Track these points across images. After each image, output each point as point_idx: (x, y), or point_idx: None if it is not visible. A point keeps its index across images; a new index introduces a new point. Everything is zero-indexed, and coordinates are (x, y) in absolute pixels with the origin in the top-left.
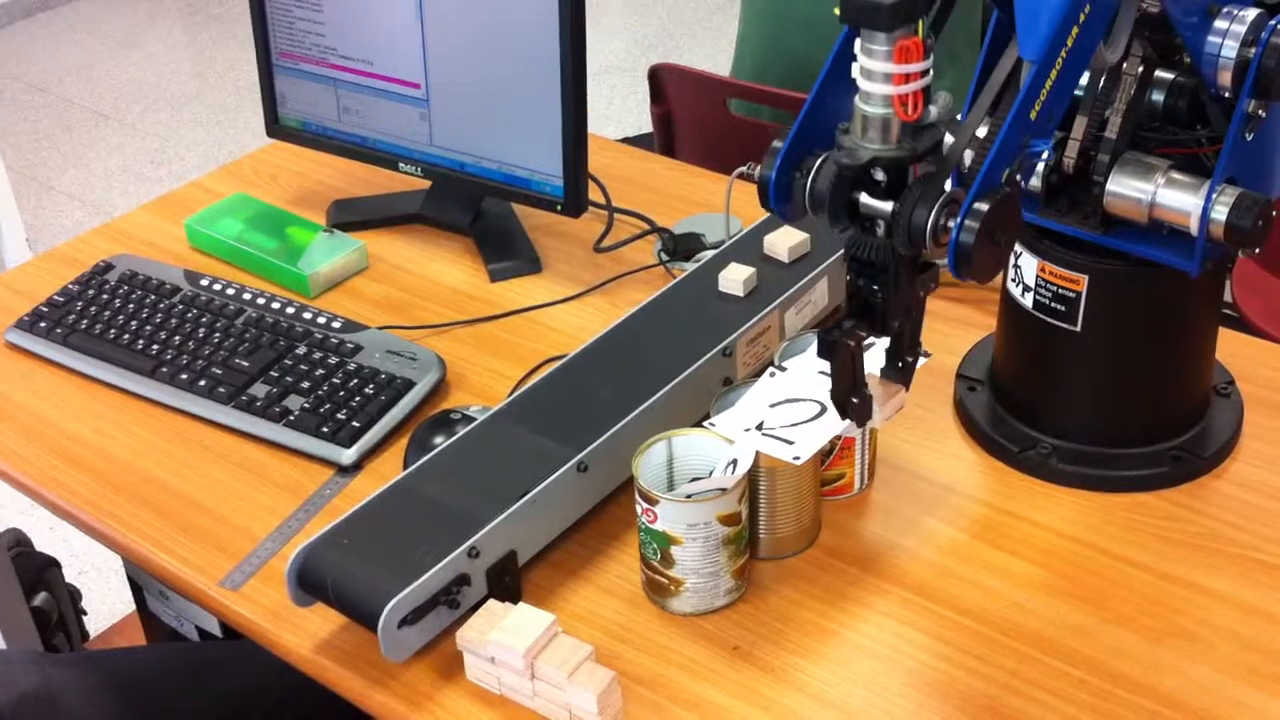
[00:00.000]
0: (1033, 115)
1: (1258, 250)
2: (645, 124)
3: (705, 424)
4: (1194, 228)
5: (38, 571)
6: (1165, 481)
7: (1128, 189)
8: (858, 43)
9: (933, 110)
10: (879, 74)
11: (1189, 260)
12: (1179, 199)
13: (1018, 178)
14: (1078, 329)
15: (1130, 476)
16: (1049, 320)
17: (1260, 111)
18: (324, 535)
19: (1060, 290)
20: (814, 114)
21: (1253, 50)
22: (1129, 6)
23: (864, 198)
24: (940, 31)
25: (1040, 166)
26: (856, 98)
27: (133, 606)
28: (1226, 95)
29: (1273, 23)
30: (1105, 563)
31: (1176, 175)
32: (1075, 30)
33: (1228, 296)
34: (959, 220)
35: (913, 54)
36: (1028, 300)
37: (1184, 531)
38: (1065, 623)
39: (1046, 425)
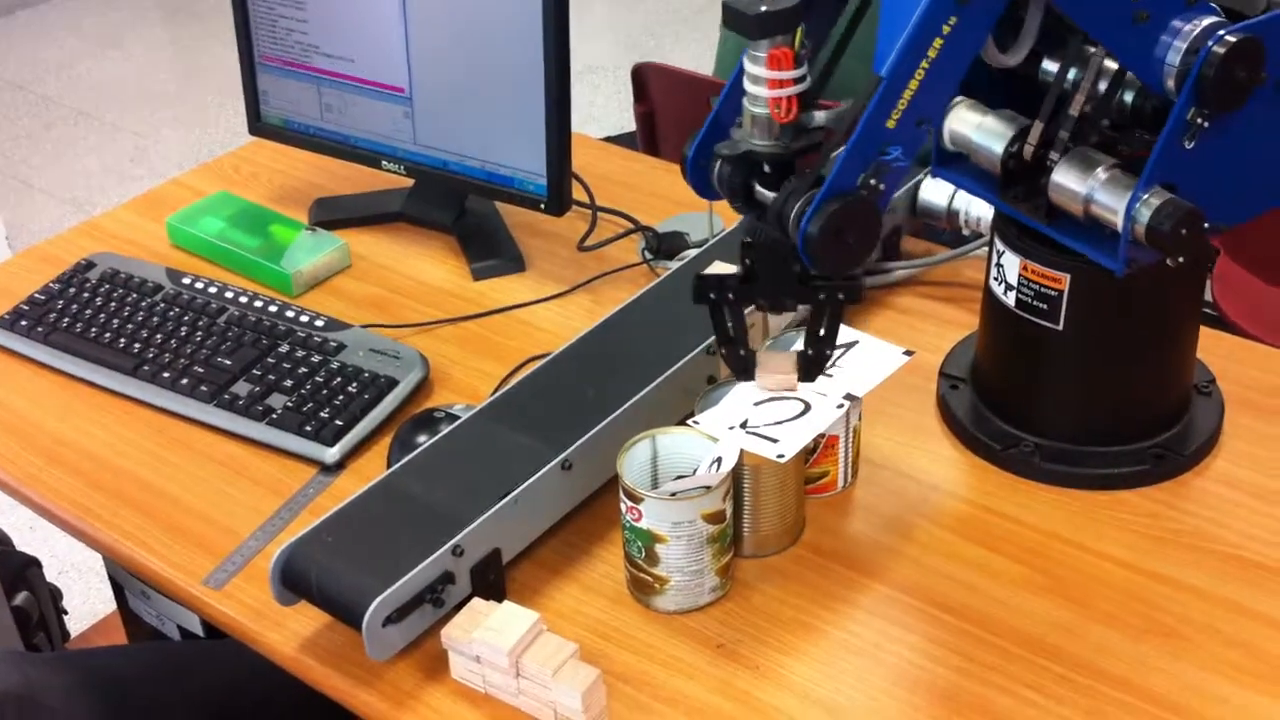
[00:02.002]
0: (890, 124)
1: (1181, 260)
2: (628, 123)
3: (689, 422)
4: (1120, 226)
5: (18, 571)
6: (1147, 479)
7: (1069, 181)
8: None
9: (818, 115)
10: (759, 78)
11: (1116, 260)
12: (1110, 198)
13: (873, 181)
14: (1060, 327)
15: (1112, 474)
16: (1031, 319)
17: (1199, 120)
18: (308, 533)
19: (1042, 289)
20: (730, 104)
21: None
22: (1035, 11)
23: (757, 186)
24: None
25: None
26: (744, 97)
27: (114, 606)
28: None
29: (1220, 33)
30: (1087, 560)
31: (1118, 174)
32: (939, 42)
33: (1208, 296)
34: (806, 216)
35: (783, 62)
36: (1010, 299)
37: (1165, 529)
38: (1048, 619)
39: (1029, 423)
